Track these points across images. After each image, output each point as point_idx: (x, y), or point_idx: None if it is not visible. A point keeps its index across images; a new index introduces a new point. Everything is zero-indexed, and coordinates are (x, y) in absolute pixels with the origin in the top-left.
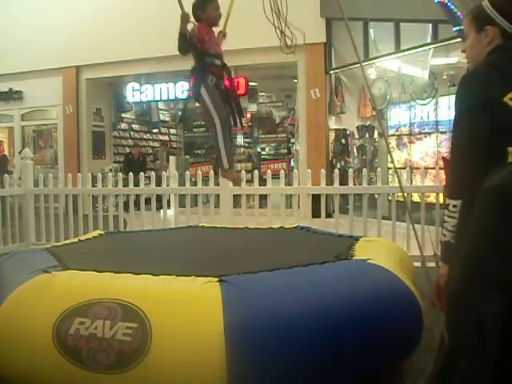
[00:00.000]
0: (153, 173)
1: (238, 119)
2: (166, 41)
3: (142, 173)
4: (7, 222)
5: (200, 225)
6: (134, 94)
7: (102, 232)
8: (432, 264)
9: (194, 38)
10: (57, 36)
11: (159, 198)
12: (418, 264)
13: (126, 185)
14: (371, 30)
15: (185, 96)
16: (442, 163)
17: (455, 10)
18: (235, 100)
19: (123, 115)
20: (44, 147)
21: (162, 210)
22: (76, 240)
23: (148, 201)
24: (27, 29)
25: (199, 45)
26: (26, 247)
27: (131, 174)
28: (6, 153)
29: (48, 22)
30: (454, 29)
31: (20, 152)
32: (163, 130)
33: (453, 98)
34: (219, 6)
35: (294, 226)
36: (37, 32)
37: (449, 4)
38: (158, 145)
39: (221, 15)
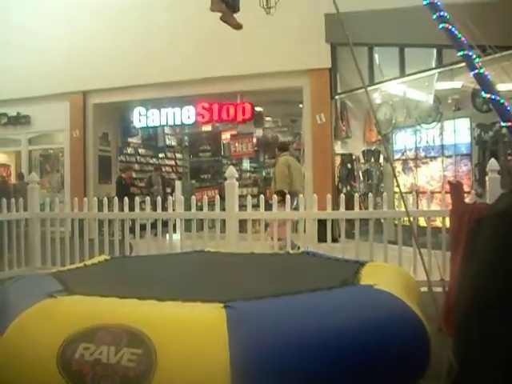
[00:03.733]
0: (148, 198)
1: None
2: (172, 67)
3: (147, 197)
4: (13, 246)
5: (206, 249)
6: (140, 118)
7: (108, 257)
8: (439, 289)
9: None
10: (64, 61)
11: (165, 223)
12: (425, 289)
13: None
14: (376, 55)
15: (191, 122)
16: (448, 187)
17: (459, 36)
18: None
19: (130, 140)
20: (51, 171)
21: (167, 235)
22: (82, 265)
23: (154, 225)
24: (35, 54)
25: None
26: (31, 271)
27: (137, 198)
28: (12, 176)
29: (56, 47)
30: (459, 53)
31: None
32: (169, 154)
33: (458, 122)
34: None
35: (301, 250)
36: (45, 57)
37: (453, 29)
38: (166, 169)
39: None
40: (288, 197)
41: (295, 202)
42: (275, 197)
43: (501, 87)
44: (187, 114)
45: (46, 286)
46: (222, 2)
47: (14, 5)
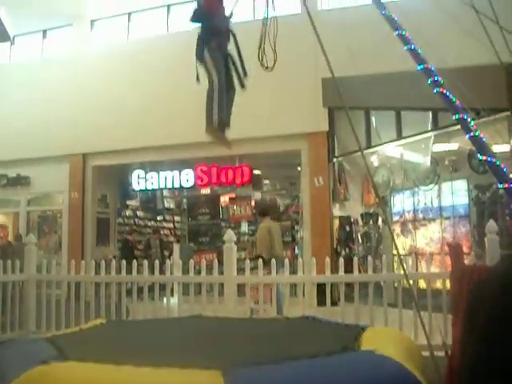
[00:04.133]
0: (145, 261)
1: (242, 80)
2: (170, 130)
3: (145, 261)
4: (7, 308)
5: (203, 314)
6: (139, 181)
7: (104, 320)
8: (441, 353)
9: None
10: (65, 124)
11: (162, 286)
12: (426, 353)
13: (128, 272)
14: (373, 118)
15: (190, 185)
16: (447, 249)
17: (454, 100)
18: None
19: (128, 202)
20: (48, 233)
21: (165, 298)
22: (77, 329)
23: (151, 288)
24: (36, 117)
25: (206, 10)
26: (25, 335)
27: (135, 261)
28: (9, 238)
29: (56, 111)
30: (454, 117)
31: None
32: (168, 217)
33: (455, 183)
34: None
35: (300, 315)
36: (46, 120)
37: (448, 94)
38: (165, 232)
39: None
40: (274, 261)
41: (280, 266)
42: (260, 261)
43: (496, 149)
44: (186, 177)
45: (39, 351)
46: (213, 122)
47: (18, 69)
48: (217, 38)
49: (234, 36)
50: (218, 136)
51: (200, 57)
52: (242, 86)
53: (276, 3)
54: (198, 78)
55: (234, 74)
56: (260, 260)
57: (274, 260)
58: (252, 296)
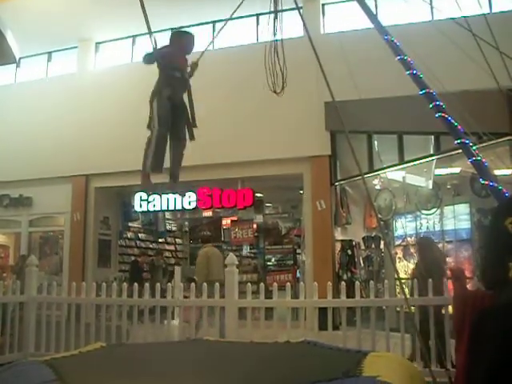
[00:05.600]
0: (147, 284)
1: (191, 131)
2: None
3: (146, 284)
4: (6, 330)
5: (205, 338)
6: (141, 203)
7: (104, 344)
8: (444, 379)
9: (160, 53)
10: (68, 145)
11: (163, 309)
12: (429, 378)
13: (129, 295)
14: (375, 142)
15: (192, 206)
16: (449, 273)
17: (456, 124)
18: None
19: (130, 224)
20: (49, 254)
21: (166, 321)
22: (76, 352)
23: (152, 311)
24: (40, 138)
25: (163, 57)
26: (23, 358)
27: (136, 284)
28: (10, 259)
29: (60, 132)
30: (456, 142)
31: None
32: (169, 239)
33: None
34: (193, 42)
35: (301, 340)
36: (49, 141)
37: (449, 118)
38: (166, 254)
39: (192, 49)
40: (205, 285)
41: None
42: (275, 284)
43: (497, 173)
44: (188, 200)
45: (37, 375)
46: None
47: (23, 91)
48: (171, 87)
49: (189, 88)
50: (146, 182)
51: (150, 102)
52: (191, 137)
53: (279, 26)
54: (148, 127)
55: (184, 124)
56: (192, 283)
57: (205, 284)
58: (183, 316)
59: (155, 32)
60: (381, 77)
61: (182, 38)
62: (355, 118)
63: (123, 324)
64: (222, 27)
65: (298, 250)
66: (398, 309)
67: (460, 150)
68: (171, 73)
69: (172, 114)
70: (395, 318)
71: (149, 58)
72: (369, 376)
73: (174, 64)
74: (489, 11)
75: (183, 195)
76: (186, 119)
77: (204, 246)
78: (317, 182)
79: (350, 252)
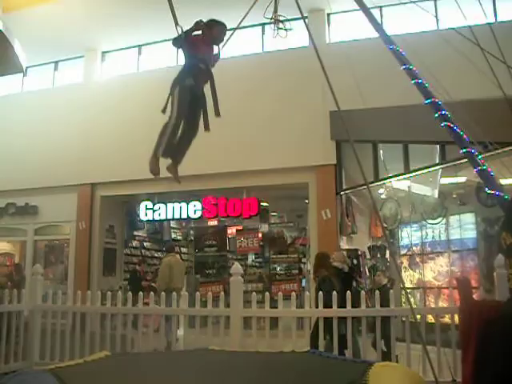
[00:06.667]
0: (152, 292)
1: (207, 123)
2: None
3: (152, 293)
4: (11, 338)
5: (209, 347)
6: (146, 212)
7: (109, 353)
8: None
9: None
10: (75, 154)
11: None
12: None
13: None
14: (381, 152)
15: (197, 216)
16: (455, 282)
17: (461, 133)
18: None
19: (135, 233)
20: (55, 262)
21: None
22: (81, 361)
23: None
24: (46, 146)
25: (189, 46)
26: (28, 366)
27: (141, 293)
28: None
29: (66, 141)
30: (462, 151)
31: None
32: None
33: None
34: (225, 33)
35: (306, 350)
36: (55, 150)
37: (455, 128)
38: None
39: (222, 40)
40: (163, 294)
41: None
42: (280, 294)
43: (503, 182)
44: (193, 209)
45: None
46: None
47: (30, 100)
48: (194, 77)
49: (212, 78)
50: (154, 166)
51: (172, 88)
52: (206, 128)
53: (284, 35)
54: (163, 110)
55: (202, 115)
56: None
57: (163, 293)
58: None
59: (162, 41)
60: (386, 86)
61: (213, 29)
62: (360, 127)
63: (128, 333)
64: (230, 36)
65: (304, 260)
66: (404, 319)
67: (466, 160)
68: (196, 63)
69: (191, 104)
70: (401, 327)
71: (177, 43)
72: None
73: (199, 54)
74: (494, 20)
75: (188, 202)
76: (204, 111)
77: (167, 254)
78: (322, 192)
79: (355, 261)
